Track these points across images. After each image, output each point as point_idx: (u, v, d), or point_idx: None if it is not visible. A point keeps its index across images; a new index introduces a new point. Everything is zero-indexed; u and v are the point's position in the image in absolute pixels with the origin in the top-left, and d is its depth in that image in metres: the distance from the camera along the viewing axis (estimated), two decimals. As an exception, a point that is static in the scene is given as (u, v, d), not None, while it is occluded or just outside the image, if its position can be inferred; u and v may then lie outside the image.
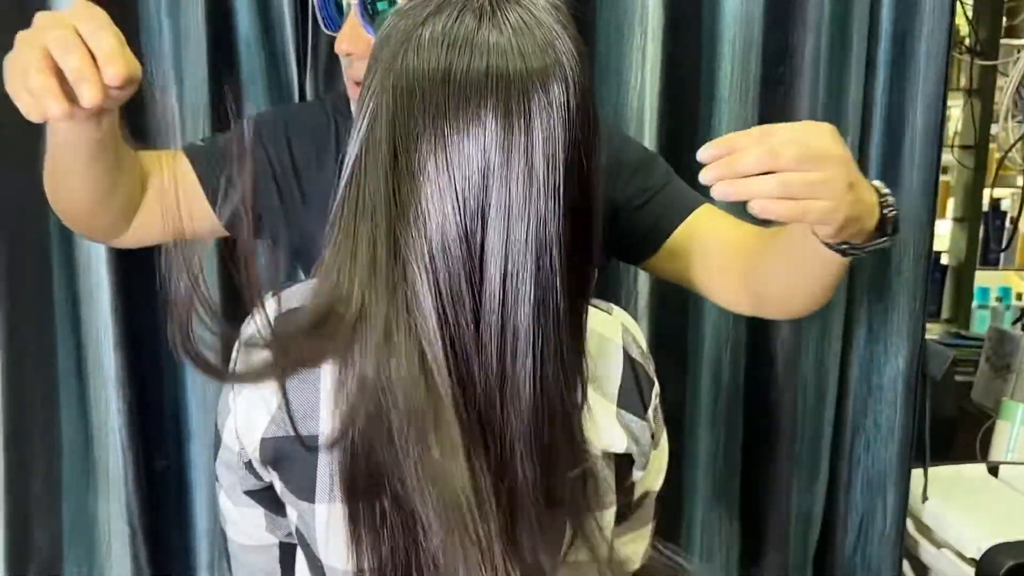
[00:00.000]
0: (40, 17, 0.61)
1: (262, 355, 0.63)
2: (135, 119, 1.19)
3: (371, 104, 0.56)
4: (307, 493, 0.61)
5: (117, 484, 1.24)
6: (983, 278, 2.98)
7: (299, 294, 0.65)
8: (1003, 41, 2.59)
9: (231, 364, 0.66)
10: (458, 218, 0.53)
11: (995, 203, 2.89)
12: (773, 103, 1.29)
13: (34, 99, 0.58)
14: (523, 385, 0.56)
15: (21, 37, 0.60)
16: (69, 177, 0.79)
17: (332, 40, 1.19)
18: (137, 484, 1.23)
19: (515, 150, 0.53)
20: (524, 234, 0.54)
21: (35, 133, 1.14)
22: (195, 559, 1.30)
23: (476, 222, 0.53)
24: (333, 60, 1.21)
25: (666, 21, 1.23)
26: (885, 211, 0.68)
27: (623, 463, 0.68)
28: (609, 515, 0.68)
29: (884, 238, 0.69)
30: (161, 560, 1.28)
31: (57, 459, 1.24)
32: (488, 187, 0.53)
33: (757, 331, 1.37)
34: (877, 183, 0.69)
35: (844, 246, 0.69)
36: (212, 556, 1.30)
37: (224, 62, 1.20)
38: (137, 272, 1.21)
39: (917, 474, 1.48)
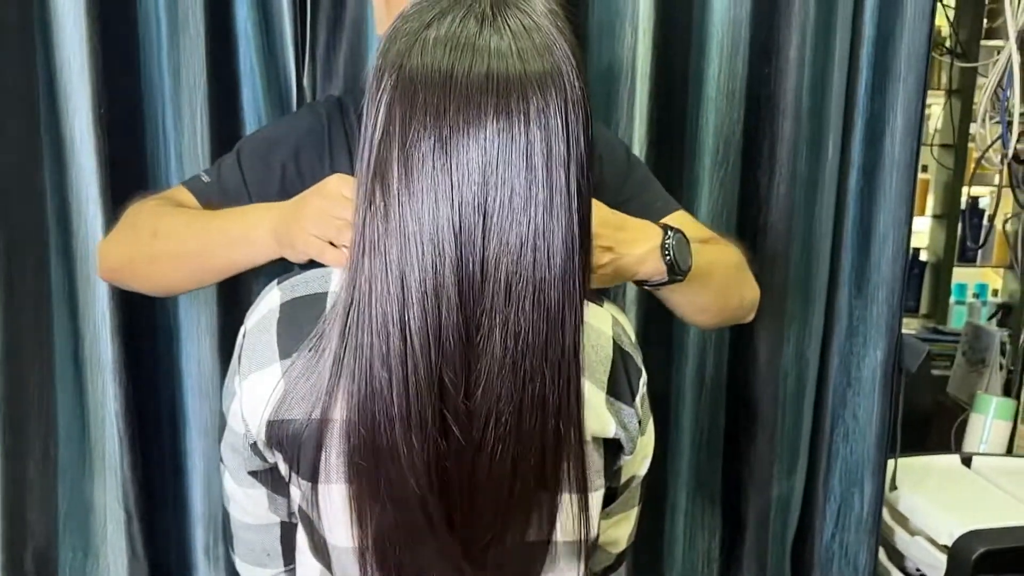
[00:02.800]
0: (325, 197, 0.75)
1: (267, 339, 0.65)
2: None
3: (378, 103, 0.58)
4: (311, 473, 0.63)
5: (113, 469, 1.25)
6: (961, 274, 3.04)
7: (307, 281, 0.67)
8: (983, 43, 2.64)
9: (237, 349, 0.68)
10: (453, 215, 0.55)
11: (973, 201, 2.94)
12: (759, 102, 1.32)
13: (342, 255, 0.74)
14: (514, 378, 0.58)
15: (319, 217, 0.75)
16: (197, 269, 0.89)
17: (329, 31, 1.22)
18: (133, 469, 1.24)
19: (514, 149, 0.55)
20: (524, 229, 0.56)
21: (31, 127, 1.17)
22: (190, 543, 1.32)
23: (476, 218, 0.55)
24: (330, 54, 1.23)
25: (656, 22, 1.26)
26: (665, 258, 0.80)
27: (611, 448, 0.71)
28: (597, 498, 0.71)
29: (667, 279, 0.81)
30: (156, 544, 1.29)
31: (54, 444, 1.25)
32: (488, 184, 0.55)
33: (740, 324, 1.40)
34: (661, 228, 0.81)
35: (643, 284, 0.83)
36: (207, 541, 1.31)
37: (222, 54, 1.21)
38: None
39: (891, 463, 1.52)
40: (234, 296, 1.27)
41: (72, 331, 1.24)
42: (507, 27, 0.57)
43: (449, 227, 0.55)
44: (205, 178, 0.96)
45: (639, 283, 0.82)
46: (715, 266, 0.88)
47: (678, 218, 0.96)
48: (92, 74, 1.15)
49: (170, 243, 0.87)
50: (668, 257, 0.79)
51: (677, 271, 0.80)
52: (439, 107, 0.55)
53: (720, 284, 0.91)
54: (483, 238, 0.56)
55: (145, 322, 1.26)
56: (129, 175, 1.20)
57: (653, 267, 0.79)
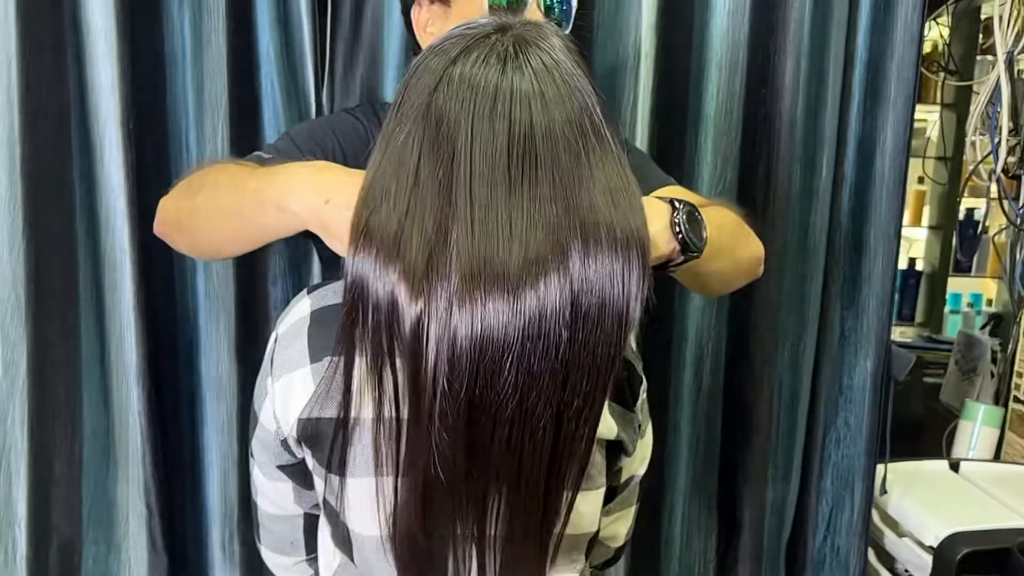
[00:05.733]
0: None
1: (299, 344, 0.71)
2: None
3: (403, 126, 0.62)
4: (338, 468, 0.68)
5: (135, 467, 1.30)
6: (957, 284, 3.08)
7: (336, 291, 0.72)
8: (979, 58, 2.70)
9: (268, 353, 0.74)
10: (475, 242, 0.58)
11: (969, 213, 2.99)
12: (755, 121, 1.37)
13: None
14: (553, 388, 0.60)
15: None
16: (235, 231, 0.80)
17: (347, 52, 1.28)
18: (154, 467, 1.29)
19: (535, 190, 0.59)
20: (546, 248, 0.58)
21: (62, 139, 1.22)
22: (208, 539, 1.37)
23: (502, 243, 0.58)
24: (348, 74, 1.28)
25: (658, 44, 1.31)
26: (677, 236, 0.73)
27: (613, 449, 0.75)
28: (599, 496, 0.76)
29: (683, 258, 0.74)
30: (175, 539, 1.34)
31: (79, 443, 1.30)
32: (512, 219, 0.59)
33: (737, 333, 1.46)
34: (673, 205, 0.74)
35: (659, 270, 0.75)
36: (224, 537, 1.36)
37: (244, 73, 1.27)
38: (160, 267, 1.29)
39: (880, 468, 1.56)
40: (251, 303, 1.33)
41: (98, 335, 1.29)
42: (528, 65, 0.61)
43: (475, 254, 0.58)
44: (264, 155, 0.92)
45: (655, 269, 0.72)
46: (723, 229, 0.81)
47: (668, 191, 0.92)
48: (121, 90, 1.21)
49: (210, 198, 0.80)
50: (680, 235, 0.72)
51: (693, 248, 0.73)
52: (459, 147, 0.59)
53: (731, 245, 0.85)
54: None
55: (167, 327, 1.31)
56: (154, 186, 1.25)
57: (665, 249, 0.72)
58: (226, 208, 0.78)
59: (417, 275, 0.58)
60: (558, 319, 0.58)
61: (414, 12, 0.99)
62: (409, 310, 0.59)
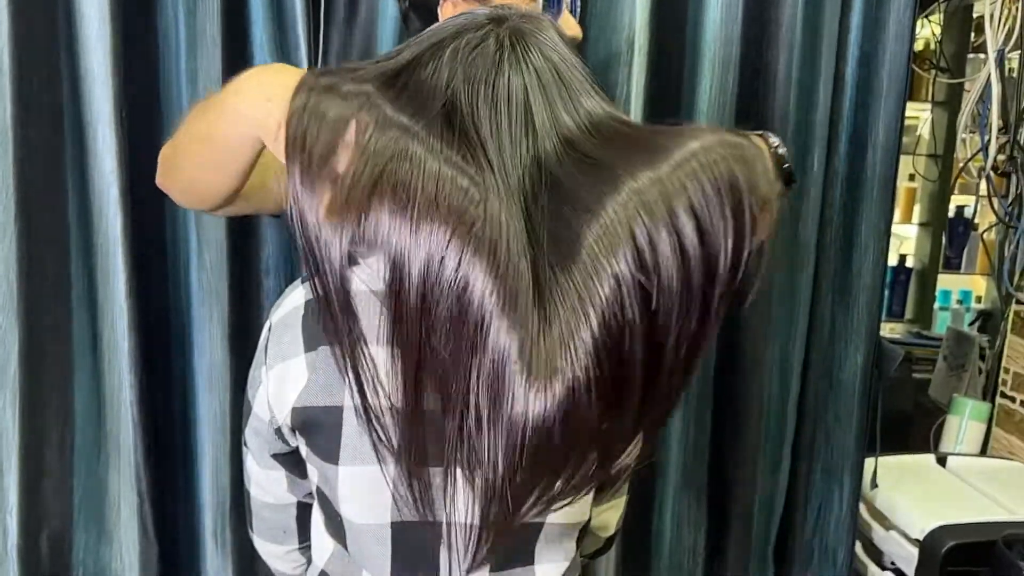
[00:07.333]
0: None
1: (293, 333, 0.71)
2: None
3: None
4: (331, 456, 0.69)
5: (127, 455, 1.30)
6: (947, 281, 3.11)
7: None
8: (971, 56, 2.71)
9: (262, 342, 0.74)
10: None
11: (959, 210, 3.01)
12: (748, 115, 1.37)
13: None
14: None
15: None
16: (221, 164, 0.74)
17: (341, 43, 1.28)
18: (146, 455, 1.29)
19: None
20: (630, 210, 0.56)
21: (55, 129, 1.22)
22: (199, 527, 1.37)
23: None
24: (341, 62, 1.28)
25: (651, 39, 1.31)
26: (784, 167, 0.69)
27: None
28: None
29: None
30: (167, 527, 1.35)
31: (71, 431, 1.30)
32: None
33: (727, 327, 1.46)
34: (766, 139, 0.69)
35: None
36: (215, 525, 1.36)
37: (237, 62, 1.26)
38: (152, 256, 1.29)
39: (870, 462, 1.58)
40: (245, 292, 1.33)
41: (90, 324, 1.29)
42: (529, 59, 0.60)
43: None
44: None
45: None
46: None
47: None
48: (114, 79, 1.20)
49: (187, 125, 0.75)
50: (787, 166, 0.69)
51: (792, 180, 0.70)
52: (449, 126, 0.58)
53: None
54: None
55: (160, 316, 1.31)
56: (147, 176, 1.24)
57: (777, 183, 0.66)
58: (198, 130, 0.73)
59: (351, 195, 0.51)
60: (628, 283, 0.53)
61: (442, 7, 0.98)
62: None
